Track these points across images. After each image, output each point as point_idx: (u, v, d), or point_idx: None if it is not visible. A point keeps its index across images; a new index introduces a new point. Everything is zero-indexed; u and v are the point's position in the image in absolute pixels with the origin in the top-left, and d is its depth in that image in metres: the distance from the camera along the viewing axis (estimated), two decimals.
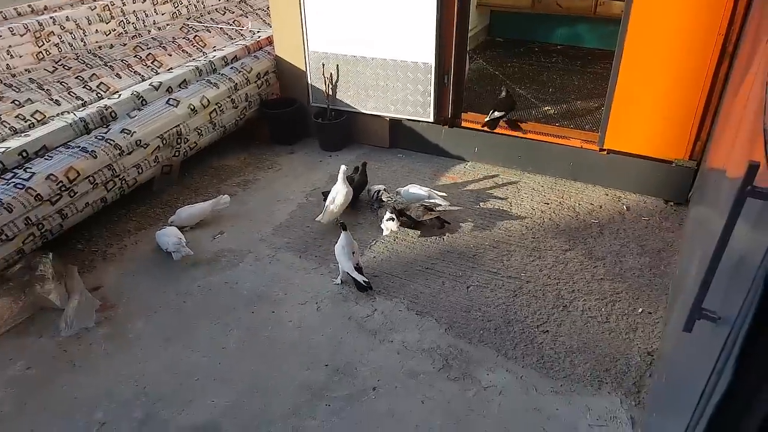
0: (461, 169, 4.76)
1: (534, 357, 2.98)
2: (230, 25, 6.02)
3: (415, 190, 4.17)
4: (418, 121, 4.84)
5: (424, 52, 4.49)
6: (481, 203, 4.27)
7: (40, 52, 4.91)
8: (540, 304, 3.33)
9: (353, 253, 3.46)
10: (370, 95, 4.85)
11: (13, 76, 4.47)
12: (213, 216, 4.19)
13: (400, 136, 5.06)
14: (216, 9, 6.44)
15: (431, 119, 4.75)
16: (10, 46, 4.66)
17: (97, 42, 5.34)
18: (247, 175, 4.82)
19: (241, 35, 5.76)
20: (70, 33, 5.16)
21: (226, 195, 4.24)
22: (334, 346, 3.11)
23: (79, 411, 2.78)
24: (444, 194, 4.18)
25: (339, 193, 4.01)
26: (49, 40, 4.98)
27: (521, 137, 4.61)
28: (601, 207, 4.19)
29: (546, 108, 5.14)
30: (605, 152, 4.28)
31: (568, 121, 4.86)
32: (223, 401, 2.81)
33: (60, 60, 4.76)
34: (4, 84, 4.26)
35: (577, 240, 3.85)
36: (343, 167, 4.06)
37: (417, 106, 4.73)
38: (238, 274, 3.68)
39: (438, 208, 4.03)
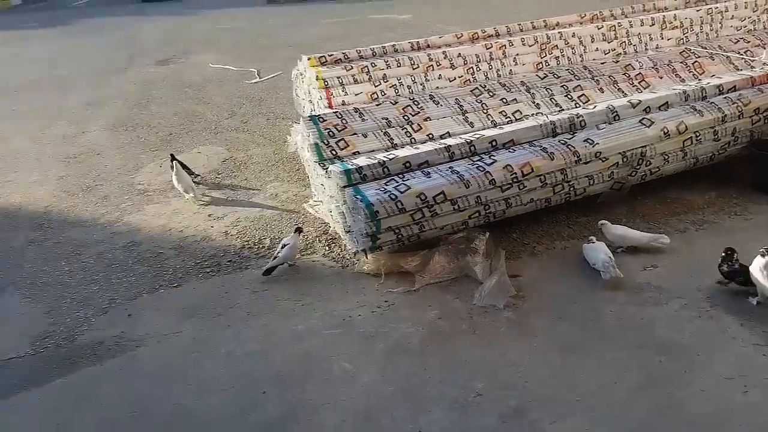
0: None
1: None
2: (740, 54, 5.31)
3: None
4: None
5: None
6: None
7: (541, 62, 5.40)
8: None
9: None
10: None
11: (509, 79, 5.05)
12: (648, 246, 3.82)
13: None
14: (729, 38, 5.78)
15: None
16: (517, 54, 5.30)
17: (594, 59, 5.53)
18: (707, 215, 4.19)
19: (751, 66, 5.01)
20: (572, 48, 5.50)
21: (665, 236, 3.81)
22: None
23: (463, 371, 2.97)
24: None
25: None
26: (552, 53, 5.44)
27: None
28: None
29: None
30: None
31: None
32: None
33: (552, 70, 5.13)
34: (500, 83, 4.85)
35: None
36: None
37: None
38: (658, 314, 3.25)
39: None
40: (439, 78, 5.90)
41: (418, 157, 3.83)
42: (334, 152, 4.25)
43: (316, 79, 5.73)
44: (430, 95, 4.73)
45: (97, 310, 3.72)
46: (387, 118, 4.46)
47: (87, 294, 3.89)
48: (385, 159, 3.77)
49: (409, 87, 5.78)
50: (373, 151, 4.29)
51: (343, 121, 4.40)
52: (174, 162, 5.05)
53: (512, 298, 3.47)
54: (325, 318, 3.47)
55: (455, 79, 5.99)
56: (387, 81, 5.76)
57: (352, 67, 5.74)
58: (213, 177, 5.53)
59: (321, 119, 4.39)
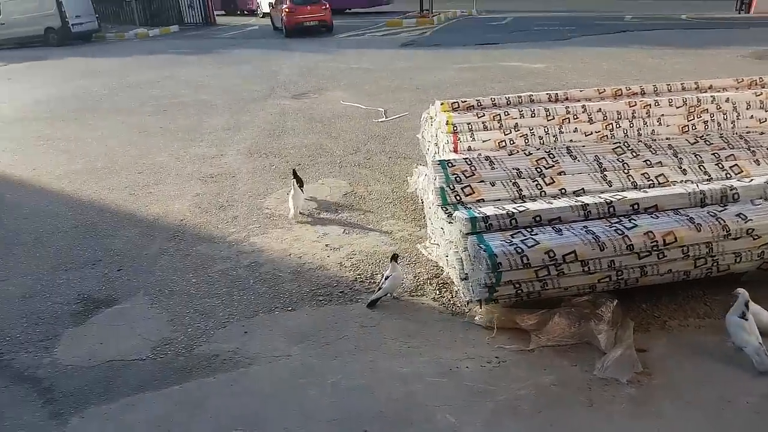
0: None
1: None
2: None
3: None
4: None
5: None
6: None
7: (687, 125, 5.06)
8: None
9: None
10: None
11: (654, 140, 4.77)
12: None
13: None
14: None
15: None
16: (662, 115, 5.01)
17: (747, 127, 5.10)
18: None
19: None
20: (724, 113, 5.11)
21: None
22: None
23: None
24: None
25: None
26: (700, 117, 5.08)
27: None
28: None
29: None
30: None
31: None
32: None
33: (703, 135, 4.78)
34: (644, 144, 4.59)
35: None
36: None
37: None
38: None
39: None
40: (574, 131, 5.71)
41: (550, 212, 3.68)
42: (458, 197, 4.20)
43: (446, 124, 5.82)
44: (567, 149, 4.58)
45: (217, 323, 3.89)
46: (518, 169, 4.36)
47: (209, 307, 4.09)
48: (514, 210, 3.66)
49: (540, 138, 5.66)
50: (499, 200, 4.20)
51: (472, 168, 4.36)
52: (294, 179, 5.53)
53: (637, 374, 3.18)
54: (431, 364, 3.38)
55: (591, 133, 5.77)
56: (518, 130, 5.68)
57: (483, 114, 5.75)
58: (333, 208, 5.69)
59: (450, 164, 4.39)
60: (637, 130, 6.01)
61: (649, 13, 20.65)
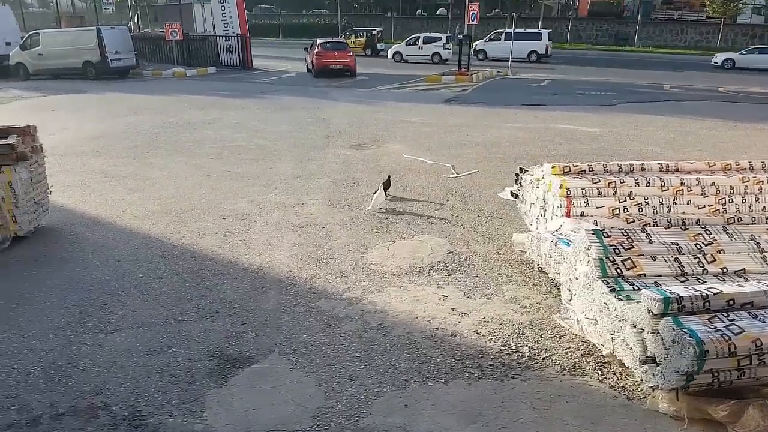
0: None
1: None
2: None
3: None
4: None
5: None
6: None
7: None
8: None
9: None
10: None
11: None
12: None
13: None
14: None
15: None
16: None
17: None
18: None
19: None
20: None
21: None
22: None
23: None
24: None
25: None
26: None
27: None
28: None
29: None
30: None
31: None
32: None
33: None
34: None
35: None
36: None
37: None
38: None
39: None
40: (688, 203, 5.76)
41: (743, 296, 3.47)
42: (619, 270, 4.01)
43: (560, 187, 5.72)
44: (722, 226, 4.42)
45: (370, 392, 3.61)
46: (677, 244, 4.18)
47: (354, 372, 3.82)
48: (708, 292, 3.45)
49: (654, 208, 5.72)
50: (661, 276, 4.03)
51: (630, 240, 4.17)
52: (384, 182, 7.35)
53: None
54: None
55: (704, 207, 5.80)
56: (633, 198, 5.70)
57: (599, 180, 5.70)
58: (443, 269, 5.47)
59: (605, 234, 4.20)
60: (749, 206, 5.95)
61: (687, 83, 21.05)
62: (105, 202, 7.51)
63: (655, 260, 4.09)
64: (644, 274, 4.02)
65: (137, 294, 4.93)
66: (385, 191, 7.39)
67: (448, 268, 5.48)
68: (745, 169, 6.31)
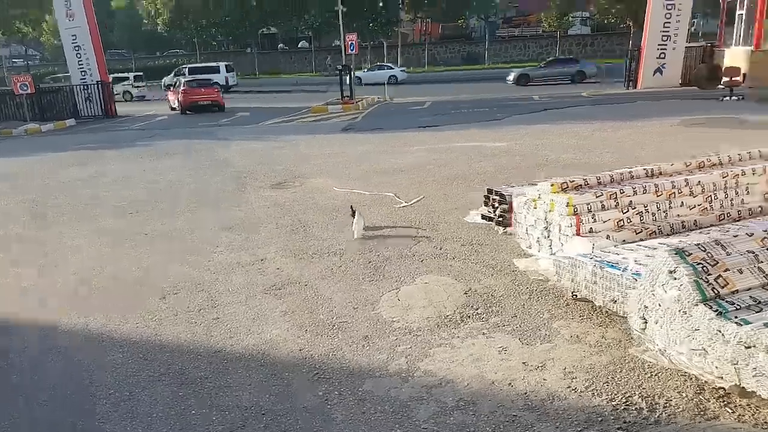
0: None
1: None
2: None
3: None
4: None
5: None
6: None
7: None
8: None
9: None
10: None
11: None
12: None
13: None
14: None
15: None
16: (748, 183, 5.04)
17: None
18: None
19: None
20: None
21: None
22: None
23: None
24: None
25: None
26: None
27: None
28: None
29: None
30: None
31: None
32: None
33: None
34: None
35: None
36: None
37: None
38: None
39: None
40: (680, 205, 5.84)
41: None
42: (716, 291, 3.65)
43: (567, 206, 5.44)
44: None
45: None
46: (752, 252, 3.92)
47: None
48: None
49: (653, 214, 5.76)
50: (750, 288, 3.74)
51: (709, 255, 3.84)
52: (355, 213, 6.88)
53: None
54: None
55: (695, 207, 5.89)
56: (634, 208, 5.66)
57: (602, 193, 5.52)
58: (474, 315, 4.81)
59: (686, 253, 3.83)
60: (731, 200, 6.10)
61: (552, 92, 22.55)
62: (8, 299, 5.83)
63: (741, 273, 3.79)
64: (737, 290, 3.70)
65: (123, 420, 3.64)
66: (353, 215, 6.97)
67: (479, 313, 4.82)
68: (716, 164, 6.48)
